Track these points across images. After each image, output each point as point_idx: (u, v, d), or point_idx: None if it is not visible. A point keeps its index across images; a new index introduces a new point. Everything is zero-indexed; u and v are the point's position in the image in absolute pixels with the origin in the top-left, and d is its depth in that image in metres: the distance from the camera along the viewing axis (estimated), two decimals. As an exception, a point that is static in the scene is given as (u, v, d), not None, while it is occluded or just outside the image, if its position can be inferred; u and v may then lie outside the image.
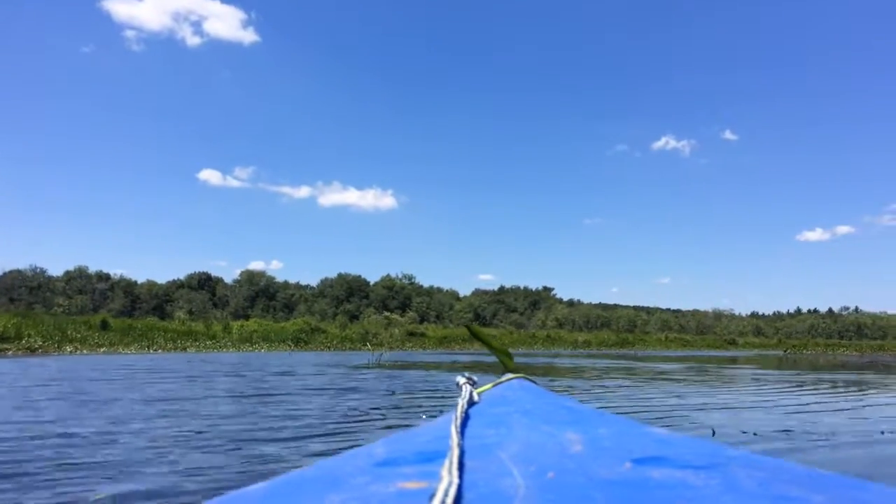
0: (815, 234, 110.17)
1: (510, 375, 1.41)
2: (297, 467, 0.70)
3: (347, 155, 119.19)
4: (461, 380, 1.24)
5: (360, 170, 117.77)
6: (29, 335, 21.35)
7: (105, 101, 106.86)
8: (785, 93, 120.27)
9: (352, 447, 0.80)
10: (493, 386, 1.32)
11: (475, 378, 1.28)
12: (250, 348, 28.39)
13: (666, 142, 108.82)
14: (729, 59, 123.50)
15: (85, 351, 20.97)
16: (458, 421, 0.78)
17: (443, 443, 0.66)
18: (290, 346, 30.99)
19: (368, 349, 18.29)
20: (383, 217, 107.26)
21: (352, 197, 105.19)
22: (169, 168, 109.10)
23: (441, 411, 5.33)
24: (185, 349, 25.28)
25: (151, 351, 23.26)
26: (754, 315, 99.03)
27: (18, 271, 76.01)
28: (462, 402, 0.94)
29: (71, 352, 20.32)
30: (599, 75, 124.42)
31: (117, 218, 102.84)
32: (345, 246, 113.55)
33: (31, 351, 19.58)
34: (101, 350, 21.82)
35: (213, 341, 28.72)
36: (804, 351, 44.92)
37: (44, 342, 20.96)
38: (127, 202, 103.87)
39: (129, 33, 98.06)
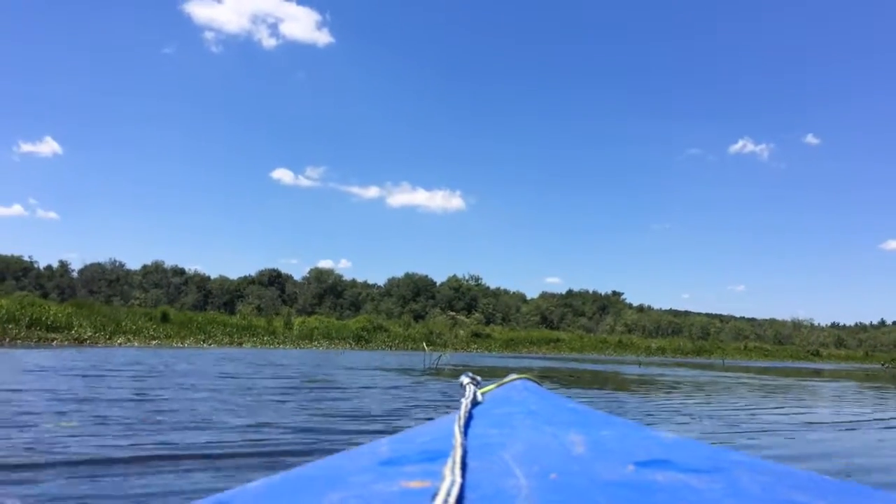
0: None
1: (514, 376, 1.42)
2: (300, 464, 0.70)
3: (417, 156, 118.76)
4: (465, 380, 1.27)
5: (428, 171, 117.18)
6: (80, 325, 20.75)
7: (184, 101, 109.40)
8: (872, 95, 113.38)
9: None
10: (497, 386, 1.33)
11: (479, 378, 1.29)
12: (309, 345, 27.47)
13: (743, 145, 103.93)
14: (812, 58, 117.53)
15: (136, 343, 20.22)
16: (462, 421, 0.79)
17: (446, 442, 0.67)
18: (350, 344, 29.97)
19: (426, 350, 16.33)
20: (451, 218, 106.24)
21: (420, 198, 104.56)
22: (243, 167, 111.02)
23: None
24: (241, 344, 24.44)
25: (207, 346, 22.46)
26: (835, 326, 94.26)
27: (98, 264, 78.49)
28: (466, 402, 0.95)
29: (121, 343, 19.57)
30: (673, 76, 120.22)
31: (194, 214, 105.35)
32: (412, 246, 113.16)
33: (80, 342, 18.91)
34: (154, 343, 21.08)
35: (272, 337, 27.89)
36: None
37: (94, 333, 20.32)
38: (203, 199, 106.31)
39: (209, 35, 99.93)
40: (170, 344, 21.35)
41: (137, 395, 5.99)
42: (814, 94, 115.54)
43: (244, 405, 5.48)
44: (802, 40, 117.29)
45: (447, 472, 0.53)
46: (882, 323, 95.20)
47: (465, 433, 0.74)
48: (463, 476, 0.54)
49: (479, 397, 1.14)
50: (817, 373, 22.24)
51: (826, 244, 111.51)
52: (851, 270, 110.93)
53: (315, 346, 27.71)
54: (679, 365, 24.44)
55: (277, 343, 26.57)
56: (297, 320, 35.58)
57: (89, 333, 20.03)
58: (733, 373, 18.30)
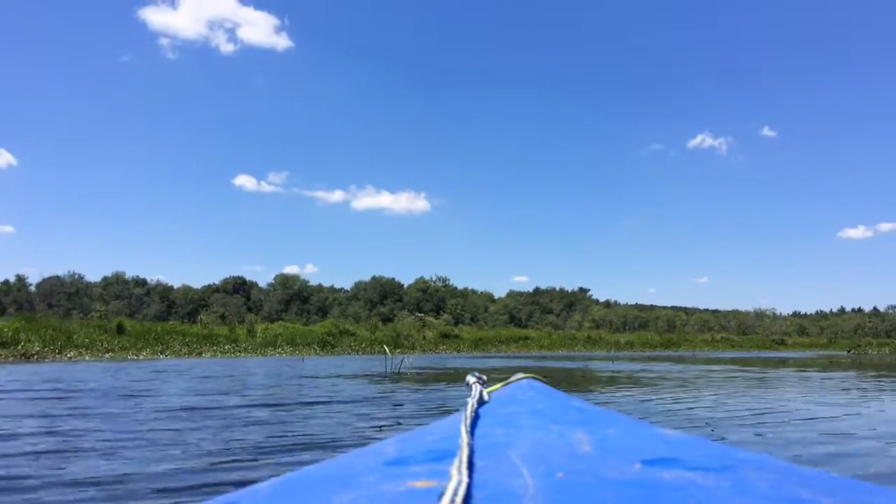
0: (858, 232, 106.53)
1: (520, 375, 1.41)
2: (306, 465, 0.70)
3: (380, 159, 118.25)
4: (471, 379, 1.27)
5: (393, 173, 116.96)
6: (28, 340, 19.75)
7: (143, 109, 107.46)
8: (825, 88, 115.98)
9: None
10: (503, 385, 1.34)
11: (485, 377, 1.30)
12: (273, 352, 26.67)
13: (702, 140, 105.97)
14: (767, 54, 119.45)
15: (88, 357, 19.31)
16: (468, 420, 0.80)
17: (453, 442, 0.68)
18: (315, 349, 29.21)
19: (387, 353, 15.61)
20: (417, 220, 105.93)
21: (385, 200, 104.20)
22: (205, 174, 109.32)
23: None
24: (200, 354, 23.60)
25: (163, 357, 21.60)
26: (796, 314, 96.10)
27: (57, 277, 76.60)
28: (472, 402, 0.96)
29: (70, 358, 18.66)
30: (633, 75, 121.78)
31: (155, 224, 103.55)
32: (379, 249, 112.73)
33: (27, 357, 17.97)
34: (107, 356, 20.17)
35: (233, 345, 27.02)
36: (868, 351, 41.89)
37: (42, 348, 19.33)
38: (165, 208, 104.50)
39: (165, 41, 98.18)
40: (124, 356, 20.46)
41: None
42: (769, 87, 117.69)
43: (141, 438, 4.31)
44: (755, 35, 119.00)
45: (454, 471, 0.53)
46: (842, 310, 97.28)
47: (471, 433, 0.73)
48: (470, 476, 0.54)
49: (486, 396, 1.14)
50: (783, 361, 22.15)
51: (785, 234, 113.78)
52: (811, 260, 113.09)
53: (279, 352, 26.91)
54: (651, 359, 24.12)
55: (239, 352, 25.71)
56: (260, 327, 34.68)
57: (37, 348, 19.05)
58: (713, 365, 18.02)
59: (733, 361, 21.51)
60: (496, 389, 1.30)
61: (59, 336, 21.27)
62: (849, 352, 40.20)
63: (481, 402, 1.08)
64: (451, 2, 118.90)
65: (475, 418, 0.89)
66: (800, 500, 0.48)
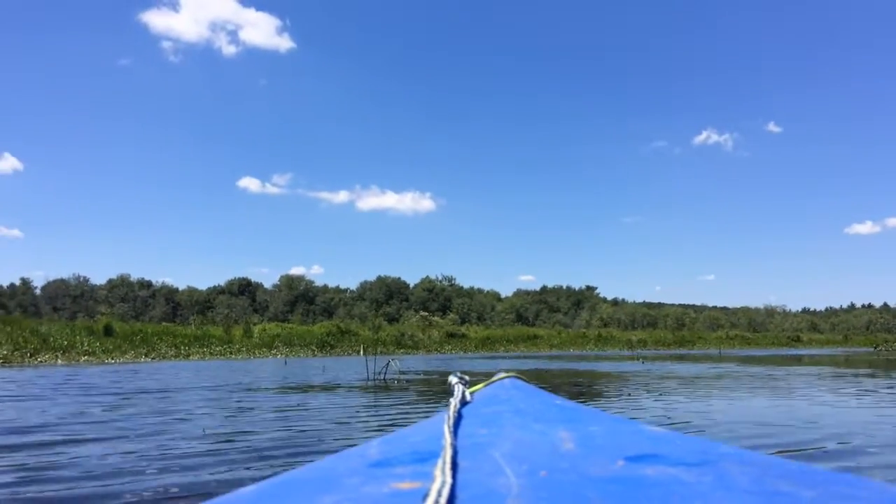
0: (865, 227, 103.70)
1: (502, 374, 1.42)
2: (289, 468, 0.71)
3: (385, 159, 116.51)
4: (454, 379, 1.28)
5: (397, 173, 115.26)
6: (-1, 343, 18.27)
7: (144, 113, 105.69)
8: (830, 82, 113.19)
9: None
10: (486, 385, 1.34)
11: (468, 377, 1.29)
12: (268, 354, 25.22)
13: (707, 136, 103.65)
14: (771, 48, 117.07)
15: (61, 361, 17.86)
16: (451, 420, 0.80)
17: (436, 443, 0.69)
18: (313, 350, 27.75)
19: (363, 353, 13.59)
20: (422, 220, 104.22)
21: (390, 200, 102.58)
22: (209, 177, 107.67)
23: None
24: (188, 356, 22.11)
25: (147, 360, 20.11)
26: (806, 311, 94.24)
27: (62, 280, 75.47)
28: (455, 402, 0.96)
29: (42, 362, 17.22)
30: (636, 72, 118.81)
31: (160, 227, 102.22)
32: (384, 250, 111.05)
33: (-8, 361, 16.51)
34: (84, 359, 18.70)
35: (226, 347, 25.52)
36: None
37: (12, 352, 17.87)
38: (169, 211, 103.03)
39: (166, 44, 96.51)
40: (103, 360, 19.00)
41: None
42: (773, 82, 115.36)
43: None
44: (759, 31, 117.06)
45: (437, 472, 0.53)
46: (852, 306, 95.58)
47: (454, 433, 0.74)
48: (453, 476, 0.54)
49: (468, 396, 1.13)
50: (798, 359, 20.50)
51: (792, 230, 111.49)
52: (818, 256, 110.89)
53: (275, 353, 25.47)
54: (678, 359, 22.34)
55: (231, 353, 24.24)
56: (257, 328, 33.23)
57: (4, 352, 17.58)
58: (765, 366, 16.39)
59: (784, 361, 19.73)
60: (479, 389, 1.29)
61: (32, 339, 19.80)
62: (875, 348, 38.46)
63: (464, 402, 1.07)
64: (454, 2, 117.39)
65: (458, 418, 0.88)
66: (780, 493, 0.49)
